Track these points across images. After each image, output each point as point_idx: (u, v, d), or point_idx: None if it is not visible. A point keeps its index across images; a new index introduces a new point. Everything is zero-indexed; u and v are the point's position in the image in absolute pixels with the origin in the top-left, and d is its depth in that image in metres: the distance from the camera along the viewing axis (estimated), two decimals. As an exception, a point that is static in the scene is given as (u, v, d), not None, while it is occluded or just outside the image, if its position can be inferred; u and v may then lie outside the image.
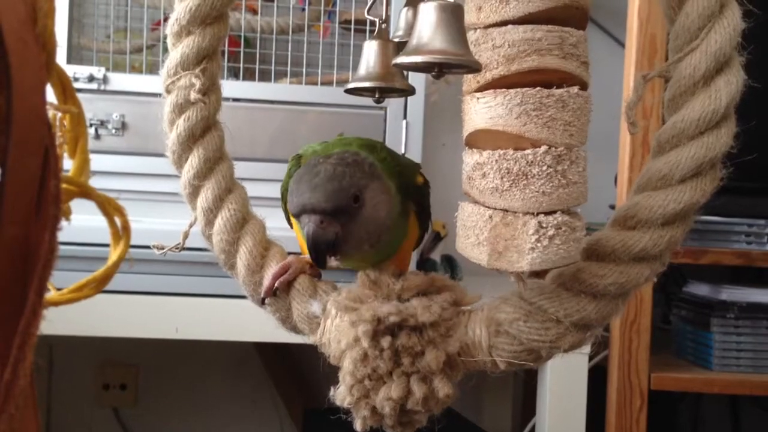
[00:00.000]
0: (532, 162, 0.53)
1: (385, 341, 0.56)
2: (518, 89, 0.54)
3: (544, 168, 0.53)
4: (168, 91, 0.62)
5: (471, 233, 0.57)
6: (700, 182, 0.56)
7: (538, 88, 0.54)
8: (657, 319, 1.56)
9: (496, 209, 0.55)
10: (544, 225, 0.53)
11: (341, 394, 0.58)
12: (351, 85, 0.69)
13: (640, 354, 1.39)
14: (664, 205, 0.55)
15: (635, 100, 0.57)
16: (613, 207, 1.57)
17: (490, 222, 0.55)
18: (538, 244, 0.53)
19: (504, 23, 0.55)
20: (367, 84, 0.68)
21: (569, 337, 0.56)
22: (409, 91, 0.70)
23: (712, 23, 0.55)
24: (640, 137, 1.38)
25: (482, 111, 0.56)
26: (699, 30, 0.55)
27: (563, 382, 1.33)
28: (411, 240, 0.68)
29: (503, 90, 0.54)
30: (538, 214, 0.54)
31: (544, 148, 0.53)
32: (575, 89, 0.54)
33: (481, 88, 0.56)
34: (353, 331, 0.57)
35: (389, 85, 0.68)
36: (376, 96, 0.70)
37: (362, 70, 0.69)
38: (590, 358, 1.37)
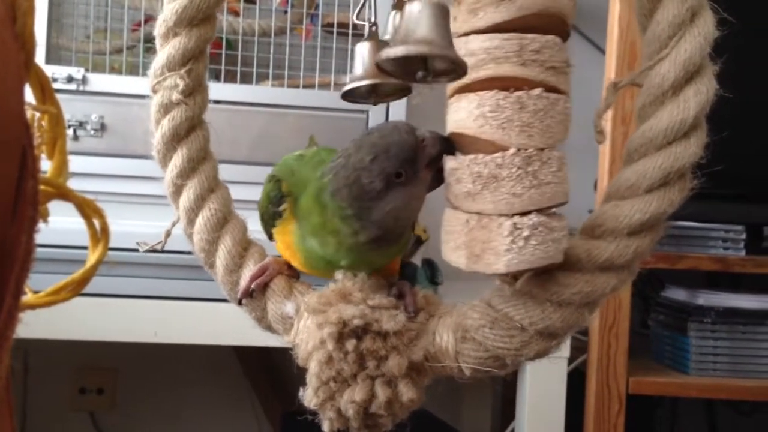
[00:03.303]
0: (501, 165, 0.53)
1: (350, 344, 0.56)
2: (477, 92, 0.54)
3: (514, 170, 0.53)
4: (154, 91, 0.62)
5: (450, 238, 0.57)
6: (668, 192, 0.55)
7: (496, 90, 0.54)
8: (635, 323, 1.57)
9: (471, 213, 0.55)
10: (519, 226, 0.53)
11: (308, 396, 0.58)
12: (348, 86, 0.69)
13: (619, 358, 1.40)
14: (630, 214, 0.55)
15: (604, 109, 0.57)
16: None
17: (467, 226, 0.55)
18: (513, 245, 0.52)
19: (474, 33, 0.55)
20: (364, 82, 0.68)
21: (534, 344, 0.56)
22: (406, 90, 0.70)
23: (682, 32, 0.54)
24: (620, 143, 1.39)
25: (451, 115, 0.57)
26: (669, 38, 0.54)
27: (542, 386, 1.34)
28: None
29: (464, 94, 0.55)
30: (513, 215, 0.53)
31: (512, 150, 0.53)
32: (537, 91, 0.54)
33: (450, 96, 0.58)
34: (319, 333, 0.57)
35: (385, 81, 0.68)
36: (373, 100, 0.71)
37: (357, 73, 0.69)
38: (569, 362, 1.38)
